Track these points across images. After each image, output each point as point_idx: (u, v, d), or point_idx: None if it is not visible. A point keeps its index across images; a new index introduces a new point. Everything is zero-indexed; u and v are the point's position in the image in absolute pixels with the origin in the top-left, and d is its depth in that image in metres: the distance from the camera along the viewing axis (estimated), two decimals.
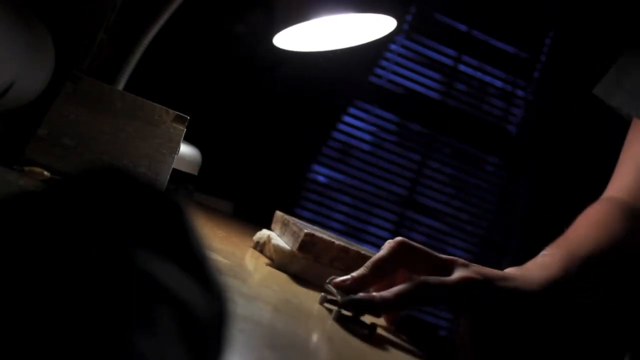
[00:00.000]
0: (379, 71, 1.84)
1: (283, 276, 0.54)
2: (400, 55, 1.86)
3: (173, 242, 0.18)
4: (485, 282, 0.46)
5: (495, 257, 1.89)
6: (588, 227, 0.63)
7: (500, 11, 1.88)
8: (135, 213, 0.18)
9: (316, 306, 0.46)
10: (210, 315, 0.18)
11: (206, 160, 0.91)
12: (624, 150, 0.68)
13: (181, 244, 0.19)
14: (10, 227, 0.16)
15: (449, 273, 0.46)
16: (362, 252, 0.56)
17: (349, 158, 1.82)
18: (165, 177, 0.59)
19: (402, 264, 0.48)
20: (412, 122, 1.87)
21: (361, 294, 0.44)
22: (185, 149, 0.83)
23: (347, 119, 1.81)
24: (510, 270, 0.51)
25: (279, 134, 1.64)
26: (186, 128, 0.62)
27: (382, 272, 0.47)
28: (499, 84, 1.93)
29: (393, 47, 1.85)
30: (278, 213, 0.69)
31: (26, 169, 0.53)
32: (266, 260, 0.60)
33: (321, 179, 1.80)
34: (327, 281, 0.46)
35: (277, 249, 0.57)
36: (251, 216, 0.92)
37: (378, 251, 0.55)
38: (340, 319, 0.41)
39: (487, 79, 1.92)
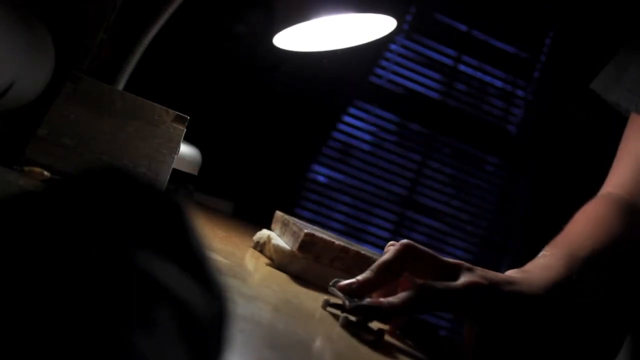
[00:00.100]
0: (379, 71, 1.84)
1: (283, 276, 0.54)
2: (400, 55, 1.86)
3: (173, 242, 0.18)
4: (491, 287, 0.46)
5: (495, 257, 1.89)
6: (587, 225, 0.62)
7: (500, 11, 1.88)
8: (135, 213, 0.18)
9: (318, 308, 0.46)
10: (210, 315, 0.18)
11: (206, 160, 0.91)
12: (621, 146, 0.68)
13: (181, 244, 0.19)
14: (10, 227, 0.16)
15: (454, 277, 0.46)
16: (362, 252, 0.56)
17: (349, 158, 1.82)
18: (165, 177, 0.59)
19: (407, 268, 0.47)
20: (412, 122, 1.87)
21: (368, 300, 0.44)
22: (185, 149, 0.83)
23: (347, 119, 1.81)
24: (512, 273, 0.50)
25: (279, 134, 1.64)
26: (186, 128, 0.62)
27: (387, 276, 0.46)
28: (499, 84, 1.93)
29: (393, 47, 1.85)
30: (278, 213, 0.69)
31: (26, 169, 0.53)
32: (266, 260, 0.60)
33: (321, 179, 1.80)
34: (331, 284, 0.45)
35: (277, 249, 0.57)
36: (251, 216, 0.92)
37: (378, 251, 0.54)
38: (347, 325, 0.41)
39: (487, 79, 1.92)
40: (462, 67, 1.91)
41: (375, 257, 0.56)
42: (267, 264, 0.58)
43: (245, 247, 0.66)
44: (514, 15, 1.89)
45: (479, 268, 0.47)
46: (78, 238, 0.16)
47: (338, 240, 0.56)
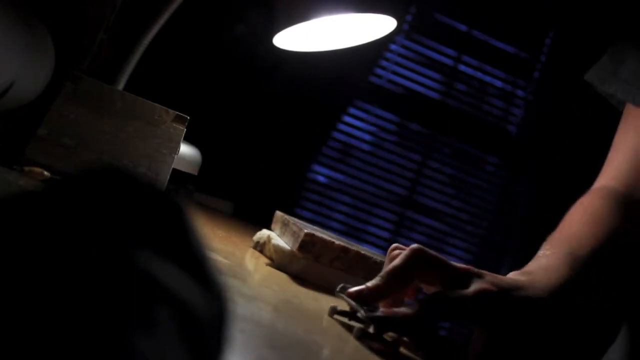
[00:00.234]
0: (379, 71, 1.84)
1: (283, 276, 0.54)
2: (400, 55, 1.86)
3: (173, 242, 0.18)
4: (501, 293, 0.45)
5: (495, 257, 1.89)
6: (584, 220, 0.62)
7: (500, 11, 1.88)
8: (135, 213, 0.18)
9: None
10: (210, 316, 0.18)
11: (206, 160, 0.91)
12: (616, 139, 0.67)
13: (181, 244, 0.19)
14: (10, 227, 0.16)
15: (464, 284, 0.45)
16: (362, 252, 0.56)
17: (349, 158, 1.82)
18: (165, 177, 0.59)
19: (417, 274, 0.46)
20: (412, 122, 1.87)
21: (382, 310, 0.43)
22: (185, 149, 0.83)
23: (347, 119, 1.81)
24: (515, 275, 0.50)
25: (279, 134, 1.64)
26: (186, 128, 0.62)
27: (398, 283, 0.45)
28: (499, 84, 1.93)
29: (393, 47, 1.85)
30: (278, 213, 0.69)
31: (26, 169, 0.53)
32: (266, 260, 0.60)
33: (321, 179, 1.80)
34: (338, 289, 0.44)
35: (277, 249, 0.57)
36: (251, 216, 0.92)
37: (378, 251, 0.55)
38: (362, 337, 0.40)
39: (487, 79, 1.92)
40: (462, 67, 1.91)
41: (375, 257, 0.56)
42: (267, 264, 0.58)
43: (245, 247, 0.66)
44: (514, 15, 1.89)
45: (487, 273, 0.47)
46: (78, 238, 0.16)
47: (338, 240, 0.56)
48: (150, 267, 0.17)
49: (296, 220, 0.65)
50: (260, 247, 0.64)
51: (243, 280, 0.46)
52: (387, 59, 1.85)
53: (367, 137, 1.84)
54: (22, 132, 0.59)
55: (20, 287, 0.14)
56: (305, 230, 0.54)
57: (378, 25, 0.77)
